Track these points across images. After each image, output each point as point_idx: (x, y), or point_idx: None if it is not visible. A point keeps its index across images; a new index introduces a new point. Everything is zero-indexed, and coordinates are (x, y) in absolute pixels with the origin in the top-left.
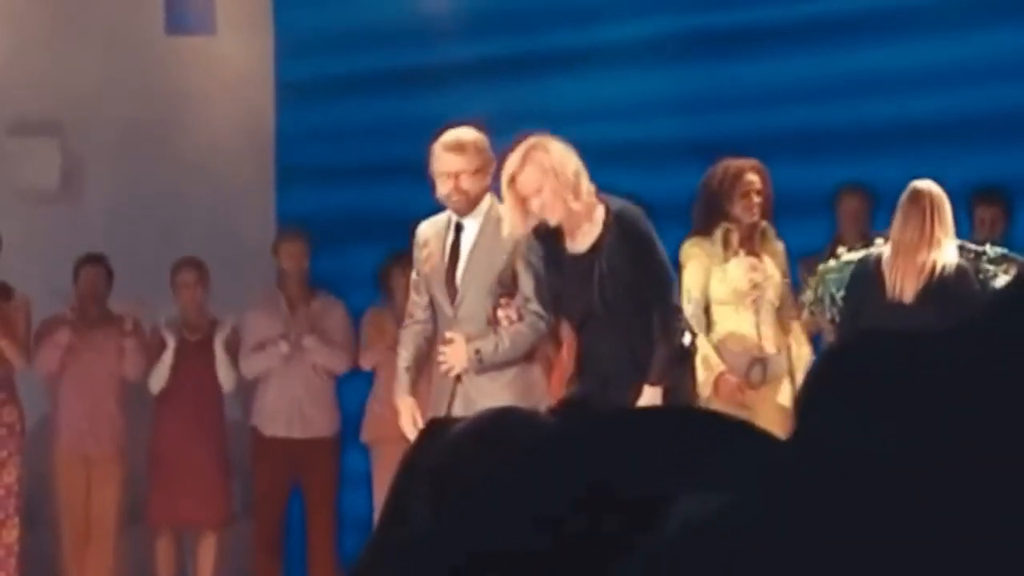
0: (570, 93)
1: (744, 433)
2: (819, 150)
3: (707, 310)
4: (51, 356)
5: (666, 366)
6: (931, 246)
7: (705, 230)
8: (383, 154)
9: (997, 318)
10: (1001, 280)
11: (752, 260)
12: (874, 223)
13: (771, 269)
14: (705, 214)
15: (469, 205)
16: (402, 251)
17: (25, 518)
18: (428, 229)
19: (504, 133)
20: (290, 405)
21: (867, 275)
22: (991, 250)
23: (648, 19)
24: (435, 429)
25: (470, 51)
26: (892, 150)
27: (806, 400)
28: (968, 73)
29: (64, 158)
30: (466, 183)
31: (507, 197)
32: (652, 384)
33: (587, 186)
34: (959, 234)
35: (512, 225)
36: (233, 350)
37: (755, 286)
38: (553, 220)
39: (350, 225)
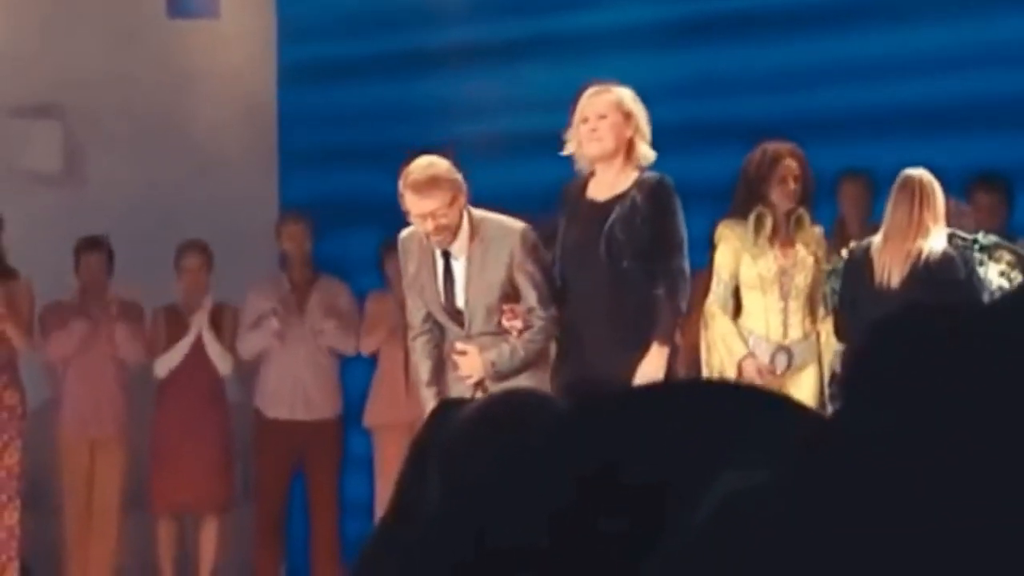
0: (573, 76)
1: (781, 409)
2: (821, 135)
3: (736, 294)
4: (65, 345)
5: (673, 326)
6: (919, 233)
7: (741, 213)
8: (385, 137)
9: (1009, 319)
10: (991, 268)
11: (783, 246)
12: (876, 209)
13: (803, 255)
14: (743, 197)
15: (452, 236)
16: (393, 237)
17: (27, 501)
18: (413, 245)
19: (507, 116)
20: (293, 387)
21: (858, 263)
22: (983, 238)
23: (644, 4)
24: (445, 411)
25: (473, 34)
26: (895, 136)
27: (844, 382)
28: (970, 59)
29: (66, 141)
30: (444, 219)
31: (576, 123)
32: (661, 343)
33: (642, 139)
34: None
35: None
36: (229, 332)
37: (783, 272)
38: (593, 151)
39: (352, 208)
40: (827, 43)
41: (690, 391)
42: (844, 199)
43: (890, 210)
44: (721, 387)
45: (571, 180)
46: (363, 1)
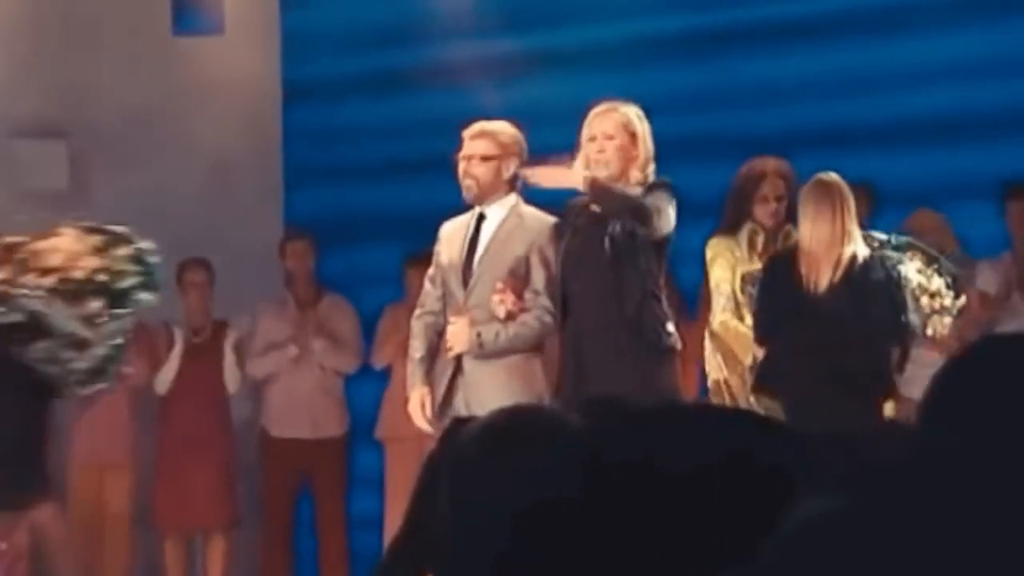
0: (578, 91)
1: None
2: (821, 148)
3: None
4: None
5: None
6: (844, 239)
7: (730, 229)
8: (389, 153)
9: None
10: (907, 266)
11: None
12: (877, 222)
13: None
14: (731, 212)
15: (481, 192)
16: (417, 252)
17: None
18: (450, 226)
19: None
20: (299, 405)
21: (781, 271)
22: (895, 238)
23: (645, 18)
24: (458, 428)
25: (477, 50)
26: (896, 148)
27: (926, 408)
28: (995, 67)
29: (72, 160)
30: (477, 168)
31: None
32: None
33: (645, 158)
34: (989, 229)
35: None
36: (240, 351)
37: None
38: (602, 173)
39: (358, 225)
40: (829, 55)
41: (710, 415)
42: None
43: (810, 218)
44: (746, 415)
45: (575, 196)
46: (367, 18)
